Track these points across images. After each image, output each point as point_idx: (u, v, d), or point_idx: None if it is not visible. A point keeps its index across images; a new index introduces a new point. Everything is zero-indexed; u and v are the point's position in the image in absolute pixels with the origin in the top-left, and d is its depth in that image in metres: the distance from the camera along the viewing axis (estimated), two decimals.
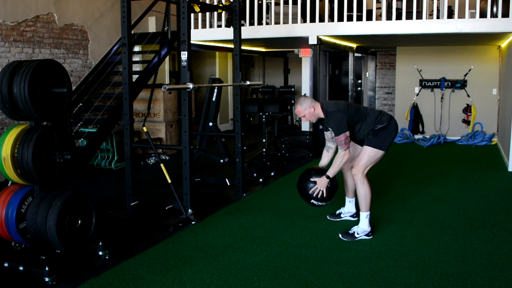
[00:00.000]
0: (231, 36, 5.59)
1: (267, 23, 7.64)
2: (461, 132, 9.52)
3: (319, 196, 3.90)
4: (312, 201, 3.96)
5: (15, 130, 3.20)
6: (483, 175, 6.23)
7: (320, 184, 3.86)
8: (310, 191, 3.90)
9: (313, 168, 4.05)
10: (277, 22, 7.61)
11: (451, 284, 3.01)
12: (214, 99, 6.31)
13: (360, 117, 3.83)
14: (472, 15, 6.73)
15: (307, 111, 3.82)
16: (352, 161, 4.03)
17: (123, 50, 4.52)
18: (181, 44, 4.24)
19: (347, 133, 3.71)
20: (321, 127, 4.11)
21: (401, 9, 6.93)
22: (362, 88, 12.22)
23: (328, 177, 3.83)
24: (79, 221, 3.27)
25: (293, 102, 8.76)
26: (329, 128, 3.91)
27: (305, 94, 3.99)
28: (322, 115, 3.85)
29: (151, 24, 8.76)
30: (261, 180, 5.85)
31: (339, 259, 3.42)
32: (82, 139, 6.43)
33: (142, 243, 3.77)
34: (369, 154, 3.81)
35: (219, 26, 8.15)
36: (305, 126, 10.35)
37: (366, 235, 3.83)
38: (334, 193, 4.00)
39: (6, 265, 3.21)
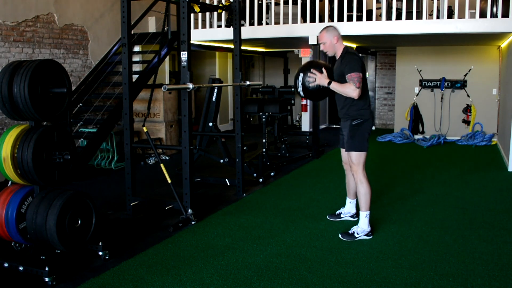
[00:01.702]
0: (231, 36, 5.59)
1: (267, 23, 7.64)
2: (461, 132, 9.52)
3: (309, 84, 3.86)
4: (301, 78, 3.90)
5: (15, 130, 3.20)
6: (483, 175, 6.23)
7: (320, 79, 3.80)
8: (308, 74, 3.84)
9: (326, 66, 3.92)
10: (277, 22, 7.61)
11: (451, 284, 3.01)
12: (214, 99, 6.31)
13: (363, 89, 3.82)
14: (472, 15, 6.73)
15: (329, 40, 3.82)
16: (348, 163, 4.07)
17: (123, 50, 4.52)
18: (181, 44, 4.24)
19: (361, 74, 3.69)
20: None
21: (401, 9, 6.94)
22: None
23: (329, 83, 3.77)
24: (79, 221, 3.27)
25: (293, 102, 8.76)
26: (336, 70, 3.84)
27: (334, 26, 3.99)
28: (340, 52, 3.84)
29: (151, 24, 8.76)
30: (261, 180, 5.85)
31: (339, 259, 3.42)
32: (82, 139, 6.43)
33: (142, 243, 3.77)
34: (355, 157, 3.85)
35: (219, 26, 8.15)
36: (305, 126, 10.36)
37: (366, 235, 3.83)
38: (315, 97, 4.06)
39: (6, 265, 3.21)
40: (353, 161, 3.87)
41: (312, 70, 3.84)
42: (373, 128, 11.58)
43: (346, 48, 3.86)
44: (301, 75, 3.91)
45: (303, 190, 5.46)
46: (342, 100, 3.89)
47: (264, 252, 3.56)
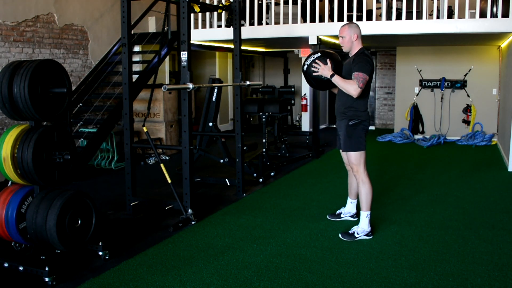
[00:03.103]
0: (231, 36, 5.59)
1: (267, 23, 7.64)
2: (461, 132, 9.52)
3: (312, 73, 3.89)
4: (306, 67, 3.93)
5: (15, 130, 3.20)
6: (483, 175, 6.23)
7: (323, 70, 3.81)
8: (314, 64, 3.86)
9: (336, 59, 3.93)
10: (277, 22, 7.61)
11: (451, 284, 3.01)
12: (214, 99, 6.31)
13: (365, 92, 3.84)
14: (472, 15, 6.73)
15: (349, 36, 3.84)
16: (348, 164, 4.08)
17: (123, 50, 4.52)
18: (181, 44, 4.24)
19: (367, 76, 3.70)
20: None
21: (401, 9, 6.94)
22: None
23: (332, 75, 3.78)
24: (79, 221, 3.27)
25: (293, 102, 8.77)
26: (345, 67, 3.87)
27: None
28: (355, 51, 3.85)
29: (151, 24, 8.76)
30: (261, 180, 5.85)
31: (339, 259, 3.42)
32: (82, 139, 6.43)
33: (142, 243, 3.77)
34: (354, 157, 3.85)
35: (219, 26, 8.15)
36: (305, 126, 10.36)
37: (366, 235, 3.82)
38: (316, 85, 4.04)
39: (6, 265, 3.21)
40: (353, 162, 3.87)
41: (317, 60, 3.86)
42: (372, 128, 11.58)
43: (363, 48, 3.87)
44: (310, 59, 3.93)
45: (303, 190, 5.46)
46: (343, 98, 3.88)
47: (264, 252, 3.56)
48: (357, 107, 3.82)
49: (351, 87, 3.70)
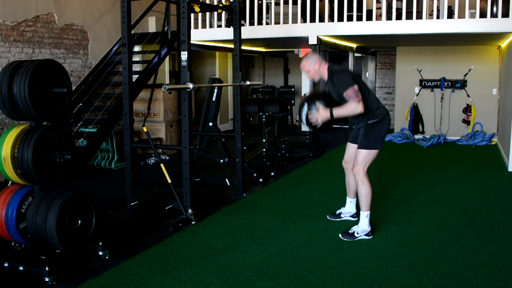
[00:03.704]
0: (231, 36, 5.59)
1: (267, 23, 7.64)
2: (461, 132, 9.52)
3: (311, 123, 3.80)
4: (302, 119, 3.85)
5: (15, 130, 3.20)
6: (483, 175, 6.23)
7: (321, 115, 3.72)
8: (309, 115, 3.77)
9: (325, 95, 3.85)
10: (277, 22, 7.61)
11: (451, 284, 3.01)
12: (214, 99, 6.31)
13: (364, 92, 3.76)
14: (472, 15, 6.73)
15: (312, 67, 3.78)
16: (350, 161, 4.04)
17: (123, 50, 4.52)
18: (181, 44, 4.24)
19: (356, 86, 3.59)
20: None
21: (401, 9, 6.93)
22: None
23: (331, 114, 3.69)
24: (79, 221, 3.27)
25: (293, 102, 8.76)
26: (334, 90, 3.79)
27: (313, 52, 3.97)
28: (326, 75, 3.79)
29: (151, 24, 8.76)
30: (261, 180, 5.85)
31: (339, 259, 3.42)
32: (82, 139, 6.43)
33: (142, 243, 3.77)
34: (363, 154, 3.80)
35: (219, 26, 8.15)
36: (305, 126, 10.34)
37: (366, 235, 3.83)
38: (325, 129, 3.90)
39: (6, 265, 3.21)
40: (359, 160, 3.81)
41: (308, 115, 3.76)
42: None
43: (331, 66, 3.80)
44: (303, 115, 3.84)
45: (303, 190, 5.46)
46: (354, 118, 3.86)
47: (264, 252, 3.56)
48: (370, 107, 3.77)
49: (352, 108, 3.62)
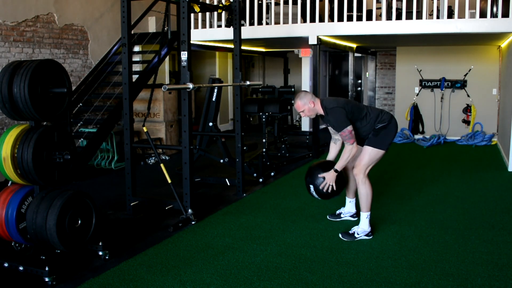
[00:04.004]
0: (231, 36, 5.59)
1: (267, 23, 7.64)
2: (461, 132, 9.52)
3: (329, 191, 3.83)
4: (320, 195, 3.89)
5: (15, 130, 3.20)
6: (483, 175, 6.23)
7: (329, 179, 3.79)
8: (320, 187, 3.82)
9: (320, 163, 3.96)
10: (277, 22, 7.61)
11: (451, 284, 3.01)
12: (214, 99, 6.31)
13: (360, 114, 3.81)
14: (472, 15, 6.73)
15: (307, 106, 3.80)
16: (353, 161, 4.03)
17: (123, 50, 4.52)
18: (181, 44, 4.24)
19: (350, 127, 3.68)
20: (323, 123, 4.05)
21: (401, 9, 6.94)
22: (362, 88, 12.23)
23: (336, 171, 3.78)
24: (79, 221, 3.27)
25: (293, 102, 8.76)
26: (330, 125, 3.89)
27: (304, 90, 4.01)
28: (321, 112, 3.83)
29: (151, 24, 8.76)
30: (261, 180, 5.85)
31: (339, 259, 3.42)
32: (82, 139, 6.43)
33: (142, 243, 3.77)
34: (370, 154, 3.81)
35: (219, 26, 8.15)
36: (305, 126, 10.36)
37: (366, 235, 3.82)
38: (342, 187, 3.94)
39: (6, 265, 3.21)
40: (363, 160, 3.81)
41: (320, 188, 3.82)
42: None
43: (322, 104, 3.81)
44: (312, 187, 3.89)
45: (303, 190, 5.43)
46: (361, 128, 3.87)
47: (264, 252, 3.56)
48: (374, 120, 3.81)
49: (349, 152, 3.71)
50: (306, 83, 10.13)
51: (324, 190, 3.83)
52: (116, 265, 3.34)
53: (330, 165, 3.88)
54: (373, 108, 3.94)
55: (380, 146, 3.80)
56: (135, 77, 6.67)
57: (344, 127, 3.67)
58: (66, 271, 3.22)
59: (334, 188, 3.83)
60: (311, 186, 3.89)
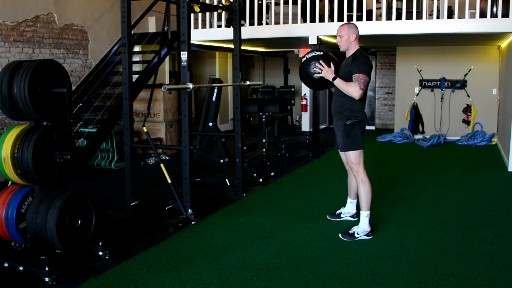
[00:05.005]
0: (231, 36, 5.59)
1: (267, 23, 7.64)
2: (461, 132, 9.52)
3: (314, 75, 3.86)
4: (308, 65, 3.90)
5: (15, 130, 3.20)
6: (483, 175, 6.23)
7: (326, 71, 3.80)
8: (316, 64, 3.83)
9: (335, 60, 3.93)
10: (277, 22, 7.61)
11: (451, 284, 3.01)
12: (214, 99, 6.31)
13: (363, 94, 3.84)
14: (472, 15, 6.73)
15: (348, 35, 3.83)
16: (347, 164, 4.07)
17: (123, 50, 4.52)
18: (181, 44, 4.24)
19: (368, 78, 3.70)
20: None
21: (401, 9, 6.94)
22: None
23: (334, 78, 3.78)
24: (79, 221, 3.27)
25: (293, 102, 8.76)
26: (344, 68, 3.87)
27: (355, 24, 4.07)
28: (352, 51, 3.85)
29: (151, 24, 8.76)
30: (261, 180, 5.85)
31: (339, 259, 3.42)
32: (82, 139, 6.43)
33: (142, 243, 3.77)
34: (353, 156, 3.86)
35: (219, 26, 8.15)
36: (305, 126, 10.35)
37: (366, 235, 3.82)
38: (315, 86, 4.08)
39: (6, 265, 3.21)
40: (352, 161, 3.87)
41: (320, 61, 3.83)
42: (372, 128, 11.57)
43: (360, 49, 3.85)
44: (312, 58, 3.90)
45: (303, 190, 5.46)
46: (340, 99, 3.88)
47: (264, 252, 3.56)
48: (354, 107, 3.83)
49: (353, 89, 3.70)
50: None
51: (313, 70, 3.85)
52: (116, 265, 3.34)
53: (336, 68, 3.86)
54: (364, 101, 3.95)
55: (356, 147, 3.85)
56: (135, 77, 6.68)
57: (363, 73, 3.68)
58: (66, 271, 3.22)
59: (316, 77, 3.86)
60: (314, 54, 3.89)
